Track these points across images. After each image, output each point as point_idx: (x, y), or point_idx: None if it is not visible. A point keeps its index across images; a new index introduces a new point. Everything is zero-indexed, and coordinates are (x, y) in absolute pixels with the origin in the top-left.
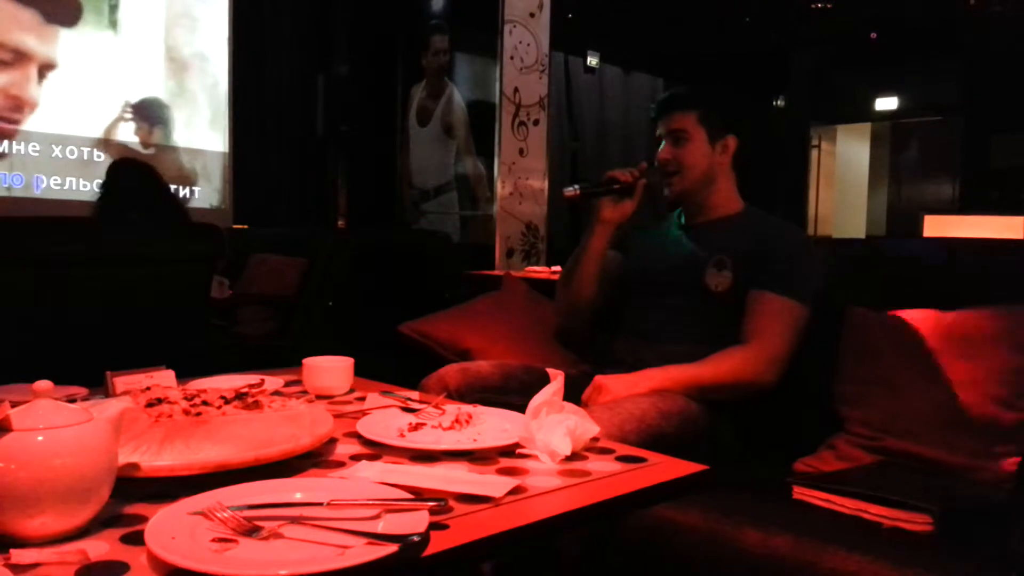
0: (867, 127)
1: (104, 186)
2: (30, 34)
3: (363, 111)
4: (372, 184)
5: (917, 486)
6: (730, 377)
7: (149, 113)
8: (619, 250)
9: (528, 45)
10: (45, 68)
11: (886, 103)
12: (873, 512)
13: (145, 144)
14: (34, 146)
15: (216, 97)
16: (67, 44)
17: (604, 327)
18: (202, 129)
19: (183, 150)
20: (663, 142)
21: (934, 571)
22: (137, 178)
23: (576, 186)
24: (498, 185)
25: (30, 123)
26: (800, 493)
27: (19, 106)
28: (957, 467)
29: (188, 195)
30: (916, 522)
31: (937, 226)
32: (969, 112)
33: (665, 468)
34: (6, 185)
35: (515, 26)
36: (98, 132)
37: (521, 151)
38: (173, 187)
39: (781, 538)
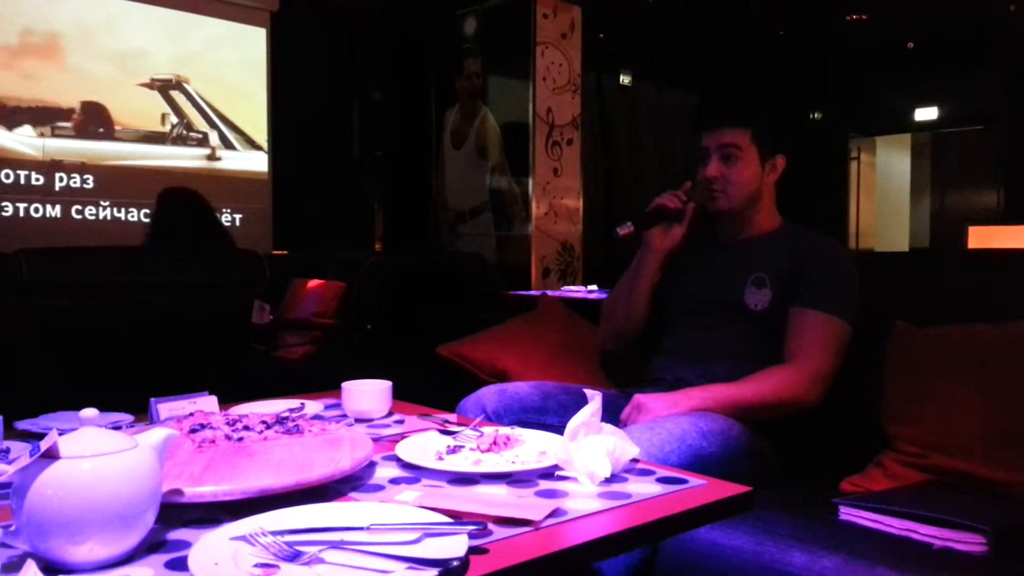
0: (907, 138)
1: (155, 215)
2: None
3: (398, 135)
4: (408, 207)
5: (968, 505)
6: (772, 396)
7: (193, 140)
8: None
9: (560, 66)
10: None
11: (926, 113)
12: (923, 532)
13: (192, 171)
14: (75, 175)
15: (256, 125)
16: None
17: (643, 346)
18: (243, 156)
19: (226, 177)
20: (710, 157)
21: None
22: (186, 207)
23: (629, 223)
24: (533, 205)
25: (74, 151)
26: (847, 513)
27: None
28: (1009, 485)
29: (231, 222)
30: (969, 542)
31: (982, 237)
32: (1011, 120)
33: (707, 490)
34: (52, 215)
35: (547, 47)
36: (142, 160)
37: (555, 171)
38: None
39: (828, 560)
